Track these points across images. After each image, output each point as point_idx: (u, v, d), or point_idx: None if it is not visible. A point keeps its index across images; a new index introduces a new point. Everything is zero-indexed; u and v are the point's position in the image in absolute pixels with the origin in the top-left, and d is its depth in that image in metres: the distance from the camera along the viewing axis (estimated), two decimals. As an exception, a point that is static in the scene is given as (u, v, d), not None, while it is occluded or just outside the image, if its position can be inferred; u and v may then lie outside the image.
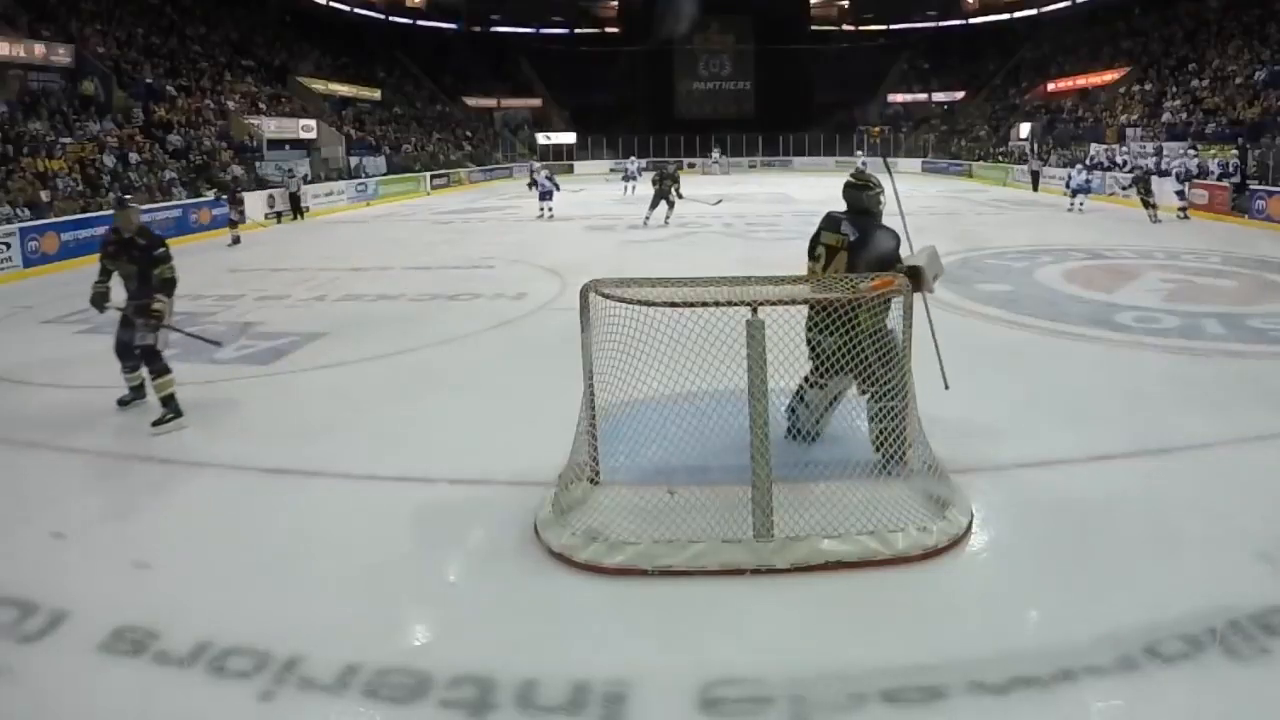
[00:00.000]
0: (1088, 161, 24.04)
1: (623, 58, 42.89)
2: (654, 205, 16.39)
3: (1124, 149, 24.40)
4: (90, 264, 12.48)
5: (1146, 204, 16.21)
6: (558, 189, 18.95)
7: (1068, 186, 19.19)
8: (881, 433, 4.06)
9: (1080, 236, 13.69)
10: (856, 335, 3.88)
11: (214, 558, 3.72)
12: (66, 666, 2.96)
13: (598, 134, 40.23)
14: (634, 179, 24.99)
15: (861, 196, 4.42)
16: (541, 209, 18.33)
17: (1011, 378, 6.07)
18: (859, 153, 29.77)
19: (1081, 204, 18.10)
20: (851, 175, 4.61)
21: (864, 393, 4.21)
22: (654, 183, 16.70)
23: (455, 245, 13.92)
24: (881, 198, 4.45)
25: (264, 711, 2.73)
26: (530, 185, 19.43)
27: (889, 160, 6.20)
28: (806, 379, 4.23)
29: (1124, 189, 17.59)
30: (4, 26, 19.92)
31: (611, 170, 37.57)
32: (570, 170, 38.79)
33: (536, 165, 21.01)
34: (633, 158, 27.83)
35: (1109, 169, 23.16)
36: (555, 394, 4.90)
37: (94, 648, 3.03)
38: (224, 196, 16.96)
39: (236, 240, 15.91)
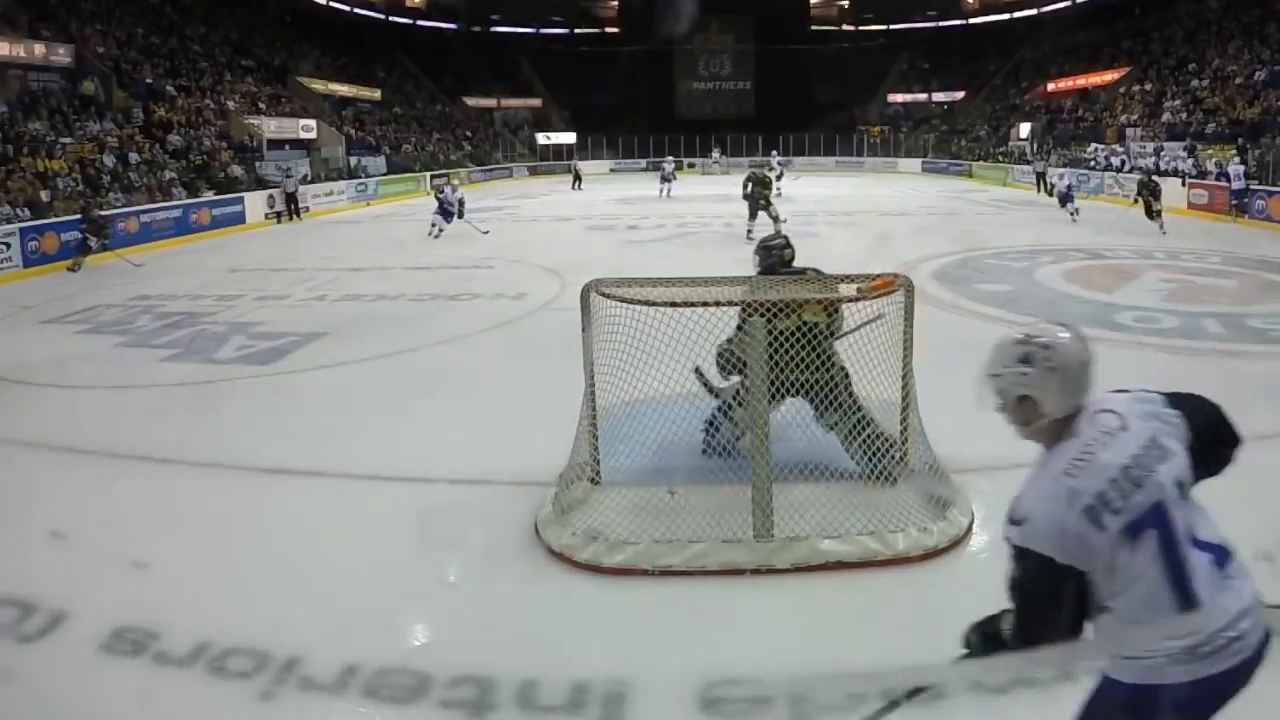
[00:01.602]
0: (1092, 162, 23.28)
1: (623, 58, 42.85)
2: (752, 216, 14.03)
3: (1122, 148, 24.37)
4: (89, 264, 12.56)
5: (1152, 212, 14.19)
6: (460, 215, 15.48)
7: (1051, 193, 17.71)
8: (863, 446, 4.00)
9: (1080, 237, 13.69)
10: (814, 359, 3.86)
11: (214, 558, 3.73)
12: (66, 666, 2.96)
13: (598, 134, 40.18)
14: (670, 180, 23.85)
15: (773, 257, 4.55)
16: (432, 225, 15.34)
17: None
18: (774, 153, 28.65)
19: (1076, 211, 16.07)
20: (760, 243, 4.72)
21: (825, 423, 4.11)
22: (744, 189, 14.23)
23: (455, 245, 13.92)
24: (788, 252, 4.61)
25: (264, 711, 2.74)
26: (438, 194, 16.15)
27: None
28: (737, 394, 4.18)
29: (1134, 201, 15.37)
30: (4, 26, 19.91)
31: (611, 170, 37.60)
32: (570, 170, 38.79)
33: (455, 183, 17.48)
34: (669, 158, 27.00)
35: (1106, 168, 23.13)
36: (555, 394, 4.90)
37: (94, 648, 3.03)
38: (83, 223, 13.29)
39: (75, 268, 12.74)
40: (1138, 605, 1.60)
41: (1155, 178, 15.71)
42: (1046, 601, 1.66)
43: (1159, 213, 14.18)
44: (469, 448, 4.86)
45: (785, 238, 4.79)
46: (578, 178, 29.27)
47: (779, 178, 24.28)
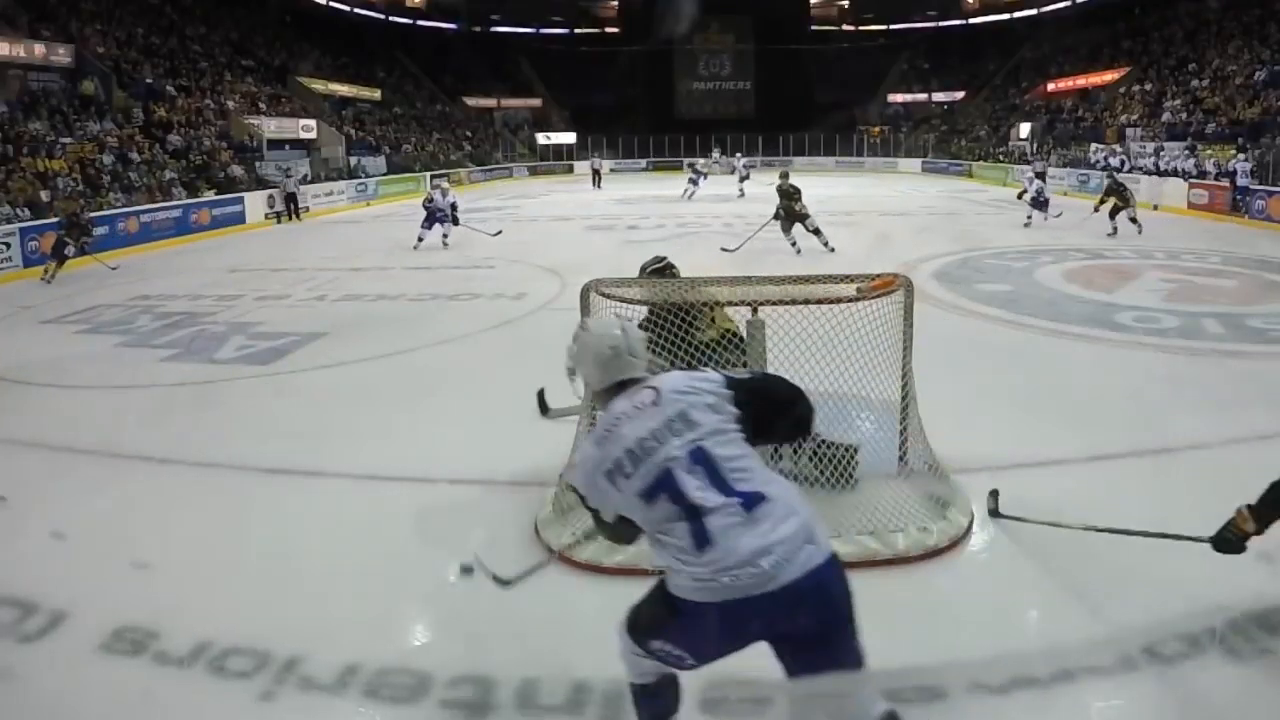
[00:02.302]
0: (1034, 167, 21.57)
1: (623, 58, 42.83)
2: (786, 229, 12.28)
3: (1122, 148, 24.35)
4: (89, 264, 12.53)
5: (1116, 212, 13.56)
6: (455, 221, 13.91)
7: (1020, 196, 15.86)
8: (809, 455, 3.90)
9: (1080, 237, 13.67)
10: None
11: (214, 558, 3.72)
12: (66, 666, 2.96)
13: (598, 134, 40.11)
14: (698, 181, 22.81)
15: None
16: (419, 240, 13.76)
17: (1011, 378, 6.07)
18: (738, 154, 27.47)
19: (1058, 214, 15.03)
20: (642, 270, 4.39)
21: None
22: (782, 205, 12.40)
23: (455, 245, 13.92)
24: (674, 270, 4.39)
25: (264, 711, 2.74)
26: (427, 201, 14.25)
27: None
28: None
29: (1100, 201, 14.18)
30: (4, 26, 19.92)
31: (611, 170, 37.54)
32: (570, 170, 38.77)
33: (445, 186, 14.82)
34: (704, 159, 26.12)
35: (1104, 169, 23.08)
36: (555, 394, 4.91)
37: (94, 648, 3.03)
38: (62, 226, 12.26)
39: (49, 278, 11.65)
40: (670, 543, 1.98)
41: (1116, 177, 15.06)
42: (598, 521, 2.20)
43: (1134, 219, 13.49)
44: (469, 448, 4.86)
45: (664, 258, 4.42)
46: (597, 174, 29.53)
47: (743, 179, 23.25)
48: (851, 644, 2.07)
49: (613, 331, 2.21)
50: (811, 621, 1.97)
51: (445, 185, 14.80)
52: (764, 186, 23.49)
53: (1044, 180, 20.21)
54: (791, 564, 1.90)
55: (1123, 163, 22.84)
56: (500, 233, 14.80)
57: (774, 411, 2.13)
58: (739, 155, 27.55)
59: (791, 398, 2.21)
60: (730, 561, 1.89)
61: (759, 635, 2.00)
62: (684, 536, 1.95)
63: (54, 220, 13.24)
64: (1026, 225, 15.03)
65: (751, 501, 1.94)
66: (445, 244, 13.76)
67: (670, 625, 2.06)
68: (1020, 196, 16.11)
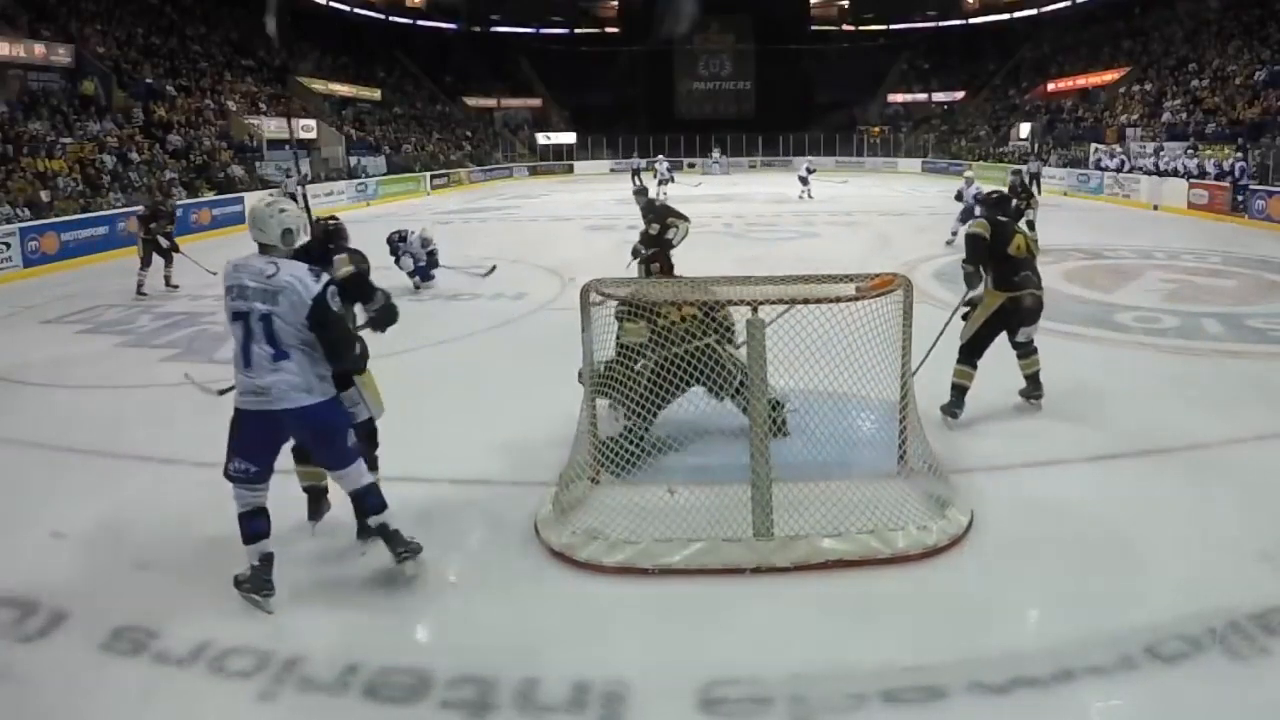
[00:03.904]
0: (1029, 167, 19.88)
1: (623, 58, 42.82)
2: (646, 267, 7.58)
3: (1122, 148, 24.33)
4: (90, 264, 12.49)
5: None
6: (429, 271, 10.26)
7: (960, 198, 12.74)
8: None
9: (1080, 237, 13.68)
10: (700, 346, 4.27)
11: (214, 558, 3.72)
12: (66, 666, 2.96)
13: (598, 134, 40.17)
14: (808, 180, 21.90)
15: None
16: (415, 282, 10.10)
17: (1012, 378, 6.06)
18: (660, 157, 25.94)
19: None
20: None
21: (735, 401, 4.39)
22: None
23: (455, 245, 13.91)
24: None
25: (264, 711, 2.74)
26: (394, 254, 10.14)
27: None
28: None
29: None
30: (4, 26, 19.91)
31: (612, 170, 37.57)
32: (570, 170, 38.76)
33: (422, 231, 10.51)
34: (808, 161, 24.50)
35: (1103, 169, 23.09)
36: (555, 394, 4.91)
37: (94, 648, 3.04)
38: (146, 215, 10.62)
39: (168, 284, 10.67)
40: (235, 355, 3.18)
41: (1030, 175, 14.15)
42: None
43: (1030, 223, 10.99)
44: (469, 447, 4.86)
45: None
46: (637, 174, 27.55)
47: (662, 181, 21.89)
48: (334, 451, 3.34)
49: (258, 208, 3.21)
50: (305, 436, 3.36)
51: (420, 231, 10.54)
52: (766, 186, 23.20)
53: (1038, 182, 18.91)
54: (286, 399, 3.12)
55: (1122, 163, 22.84)
56: (493, 269, 10.51)
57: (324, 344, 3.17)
58: (662, 157, 26.41)
59: (329, 352, 3.20)
60: (257, 381, 3.11)
61: (278, 441, 3.31)
62: (239, 352, 3.14)
63: (70, 220, 12.72)
64: (949, 244, 12.15)
65: (280, 356, 3.09)
66: (417, 285, 10.16)
67: (234, 439, 3.24)
68: (958, 198, 12.88)
